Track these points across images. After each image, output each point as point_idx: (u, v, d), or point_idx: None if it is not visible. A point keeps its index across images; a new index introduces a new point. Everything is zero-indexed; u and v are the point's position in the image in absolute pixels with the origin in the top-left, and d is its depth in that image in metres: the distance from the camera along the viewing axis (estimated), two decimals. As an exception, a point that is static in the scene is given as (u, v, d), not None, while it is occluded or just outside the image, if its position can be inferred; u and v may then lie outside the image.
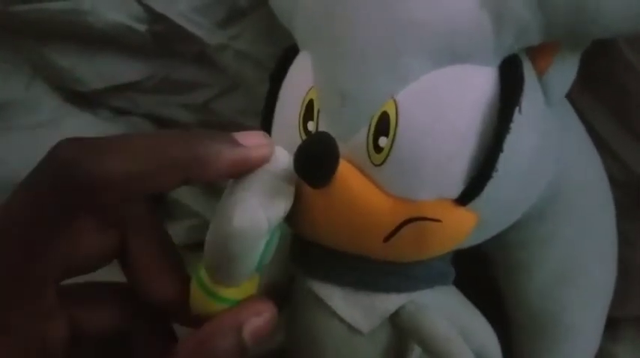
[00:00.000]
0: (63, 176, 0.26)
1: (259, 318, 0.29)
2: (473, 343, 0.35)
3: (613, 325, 0.46)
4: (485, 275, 0.42)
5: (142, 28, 0.48)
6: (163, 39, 0.49)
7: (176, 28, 0.48)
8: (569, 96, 0.40)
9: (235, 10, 0.48)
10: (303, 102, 0.33)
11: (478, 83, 0.30)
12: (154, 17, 0.48)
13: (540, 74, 0.31)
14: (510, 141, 0.29)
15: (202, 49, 0.49)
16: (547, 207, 0.36)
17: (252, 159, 0.29)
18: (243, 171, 0.29)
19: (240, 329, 0.29)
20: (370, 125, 0.30)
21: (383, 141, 0.30)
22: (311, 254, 0.35)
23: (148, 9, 0.47)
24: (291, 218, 0.34)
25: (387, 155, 0.30)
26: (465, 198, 0.30)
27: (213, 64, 0.50)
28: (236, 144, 0.29)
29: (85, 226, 0.28)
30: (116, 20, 0.47)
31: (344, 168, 0.30)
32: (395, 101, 0.30)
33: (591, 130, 0.41)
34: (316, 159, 0.29)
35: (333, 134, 0.30)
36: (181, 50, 0.50)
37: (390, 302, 0.34)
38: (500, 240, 0.36)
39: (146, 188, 0.27)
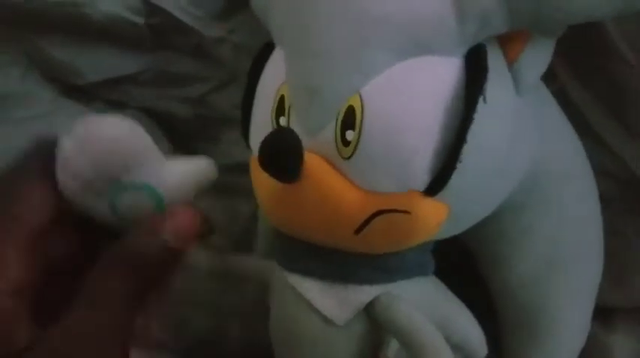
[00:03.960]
0: None
1: (179, 216, 0.31)
2: (454, 333, 0.35)
3: (607, 315, 0.46)
4: (474, 269, 0.41)
5: (139, 20, 0.48)
6: (160, 32, 0.49)
7: (173, 20, 0.48)
8: (563, 90, 0.40)
9: (233, 3, 0.48)
10: (275, 98, 0.33)
11: (442, 74, 0.29)
12: (151, 9, 0.48)
13: (510, 63, 0.31)
14: (475, 132, 0.28)
15: (200, 42, 0.49)
16: (525, 198, 0.35)
17: None
18: None
19: (160, 229, 0.30)
20: (337, 119, 0.30)
21: (350, 134, 0.30)
22: (289, 247, 0.36)
23: (145, 1, 0.48)
24: (268, 213, 0.34)
25: (355, 148, 0.30)
26: (433, 189, 0.30)
27: (210, 57, 0.50)
28: None
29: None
30: (113, 12, 0.48)
31: (314, 162, 0.31)
32: (360, 95, 0.30)
33: (585, 124, 0.41)
34: (278, 155, 0.29)
35: (303, 129, 0.31)
36: (178, 43, 0.50)
37: (365, 293, 0.34)
38: (481, 232, 0.36)
39: None
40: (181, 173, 0.33)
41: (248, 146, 0.36)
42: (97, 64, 0.51)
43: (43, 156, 0.32)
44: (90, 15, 0.47)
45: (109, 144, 0.31)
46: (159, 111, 0.54)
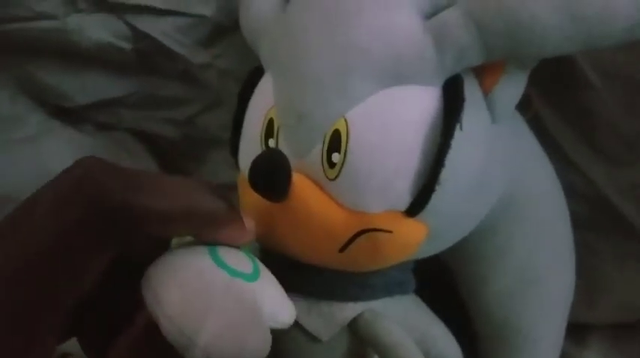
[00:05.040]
0: (99, 205, 0.24)
1: None
2: (432, 349, 0.37)
3: (580, 331, 0.48)
4: (453, 287, 0.43)
5: (127, 46, 0.49)
6: (148, 57, 0.50)
7: (160, 47, 0.49)
8: (537, 117, 0.41)
9: (218, 30, 0.49)
10: (264, 121, 0.34)
11: (422, 102, 0.31)
12: (139, 36, 0.49)
13: (486, 93, 0.33)
14: (452, 157, 0.30)
15: (186, 67, 0.50)
16: (501, 219, 0.37)
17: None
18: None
19: None
20: (324, 142, 0.32)
21: (335, 156, 0.31)
22: (275, 265, 0.36)
23: (133, 28, 0.49)
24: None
25: (340, 170, 0.31)
26: (413, 209, 0.31)
27: (196, 81, 0.51)
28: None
29: (103, 261, 0.25)
30: (102, 39, 0.49)
31: (301, 182, 0.32)
32: (345, 120, 0.31)
33: (557, 148, 0.43)
34: (267, 174, 0.31)
35: (291, 150, 0.33)
36: (165, 68, 0.51)
37: (348, 310, 0.36)
38: (459, 252, 0.37)
39: (169, 231, 0.27)
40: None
41: (237, 166, 0.38)
42: (86, 87, 0.52)
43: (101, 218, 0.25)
44: (79, 42, 0.48)
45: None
46: (147, 133, 0.54)
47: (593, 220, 0.44)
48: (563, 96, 0.42)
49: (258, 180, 0.31)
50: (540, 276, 0.40)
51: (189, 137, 0.55)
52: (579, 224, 0.42)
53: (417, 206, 0.31)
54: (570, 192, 0.41)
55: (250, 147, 0.35)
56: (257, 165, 0.31)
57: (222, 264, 0.28)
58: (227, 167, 0.55)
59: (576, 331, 0.46)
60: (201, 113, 0.54)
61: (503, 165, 0.34)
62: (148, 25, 0.49)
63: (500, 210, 0.36)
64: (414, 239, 0.33)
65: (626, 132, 0.41)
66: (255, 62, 0.38)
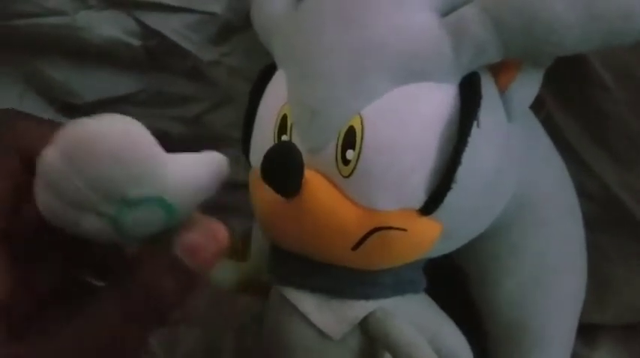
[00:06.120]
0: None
1: (195, 233, 0.26)
2: (443, 348, 0.36)
3: (590, 332, 0.47)
4: (463, 287, 0.43)
5: (136, 43, 0.49)
6: (157, 54, 0.50)
7: (169, 43, 0.49)
8: (549, 116, 0.41)
9: (227, 28, 0.49)
10: (277, 117, 0.34)
11: (438, 100, 0.31)
12: (148, 33, 0.49)
13: (502, 91, 0.33)
14: (469, 155, 0.30)
15: (195, 64, 0.50)
16: (515, 218, 0.37)
17: None
18: None
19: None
20: (338, 138, 0.32)
21: (350, 154, 0.31)
22: (286, 262, 0.36)
23: (143, 25, 0.49)
24: (266, 228, 0.35)
25: (354, 167, 0.31)
26: (428, 208, 0.31)
27: (205, 78, 0.51)
28: None
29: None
30: (111, 35, 0.49)
31: (314, 179, 0.32)
32: (361, 116, 0.31)
33: (569, 148, 0.43)
34: (279, 166, 0.31)
35: (304, 147, 0.32)
36: (174, 65, 0.51)
37: (360, 308, 0.35)
38: (471, 251, 0.37)
39: None
40: (191, 173, 0.27)
41: (248, 162, 0.38)
42: (95, 84, 0.51)
43: None
44: (88, 38, 0.48)
45: (109, 155, 0.24)
46: (154, 131, 0.54)
47: (604, 221, 0.44)
48: (576, 96, 0.42)
49: (270, 171, 0.31)
50: (552, 276, 0.39)
51: (197, 135, 0.54)
52: (590, 224, 0.42)
53: (432, 204, 0.31)
54: (581, 192, 0.41)
55: (263, 144, 0.35)
56: (269, 156, 0.31)
57: None
58: (234, 165, 0.55)
59: (586, 331, 0.46)
60: (209, 111, 0.53)
61: (517, 164, 0.34)
62: (157, 21, 0.49)
63: (514, 210, 0.36)
64: (428, 237, 0.33)
65: (638, 132, 0.41)
66: (264, 60, 0.38)
